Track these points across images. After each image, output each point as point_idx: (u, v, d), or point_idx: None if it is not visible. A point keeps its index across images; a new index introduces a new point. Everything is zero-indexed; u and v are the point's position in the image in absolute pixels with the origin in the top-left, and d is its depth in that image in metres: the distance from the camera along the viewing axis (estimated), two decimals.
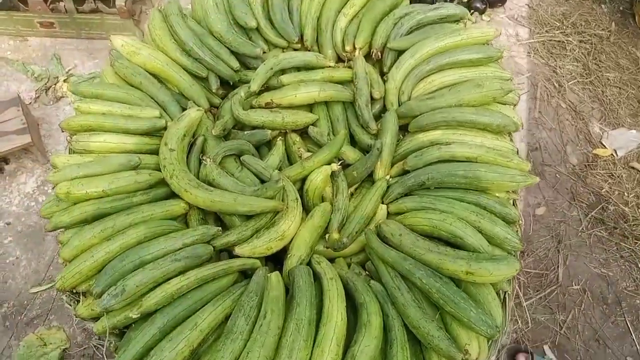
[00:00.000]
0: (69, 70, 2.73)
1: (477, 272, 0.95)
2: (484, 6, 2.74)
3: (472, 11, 2.68)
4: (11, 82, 2.78)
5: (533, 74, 2.92)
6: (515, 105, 1.26)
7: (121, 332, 0.97)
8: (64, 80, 2.70)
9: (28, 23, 2.76)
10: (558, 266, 2.35)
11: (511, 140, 1.22)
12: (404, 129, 1.25)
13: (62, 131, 1.18)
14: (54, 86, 2.72)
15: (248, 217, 1.06)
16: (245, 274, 1.05)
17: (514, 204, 1.15)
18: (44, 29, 2.79)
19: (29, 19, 2.72)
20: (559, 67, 2.97)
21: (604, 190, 2.62)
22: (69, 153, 1.18)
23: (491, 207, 1.07)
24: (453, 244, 1.04)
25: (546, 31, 3.08)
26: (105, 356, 0.92)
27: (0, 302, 2.31)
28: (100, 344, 2.12)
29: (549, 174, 2.52)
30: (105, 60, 1.29)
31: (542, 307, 2.18)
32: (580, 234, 2.38)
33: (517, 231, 1.08)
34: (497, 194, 1.10)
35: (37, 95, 2.71)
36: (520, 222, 1.09)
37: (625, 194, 2.51)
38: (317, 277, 1.02)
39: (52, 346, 2.12)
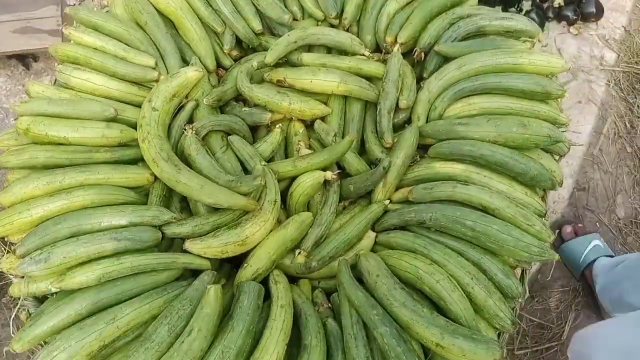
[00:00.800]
0: None
1: (448, 348, 0.80)
2: (575, 17, 2.40)
3: (561, 20, 2.35)
4: None
5: (606, 106, 2.61)
6: (561, 156, 1.05)
7: (44, 297, 0.88)
8: None
9: None
10: (566, 322, 2.14)
11: (544, 198, 1.02)
12: (424, 149, 1.06)
13: (50, 56, 1.06)
14: None
15: (214, 208, 0.93)
16: (194, 272, 0.92)
17: (523, 275, 0.97)
18: None
19: None
20: (638, 106, 2.64)
21: None
22: (53, 83, 1.06)
23: (492, 274, 0.90)
24: (435, 303, 0.88)
25: (636, 62, 2.72)
26: (12, 324, 0.82)
27: None
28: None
29: (589, 220, 2.27)
30: None
31: None
32: None
33: (513, 309, 0.91)
34: (504, 259, 0.93)
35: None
36: (522, 298, 0.91)
37: None
38: (268, 297, 0.88)
39: None
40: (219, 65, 1.16)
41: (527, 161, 0.96)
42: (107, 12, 1.13)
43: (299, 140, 1.06)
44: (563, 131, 1.02)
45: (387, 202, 1.01)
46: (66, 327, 0.79)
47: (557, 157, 1.05)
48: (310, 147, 1.07)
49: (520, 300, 0.91)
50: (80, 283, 0.82)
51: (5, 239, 0.91)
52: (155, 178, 0.96)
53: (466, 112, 1.06)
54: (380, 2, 1.17)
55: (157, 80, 1.03)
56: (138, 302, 0.82)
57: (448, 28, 1.13)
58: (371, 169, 1.05)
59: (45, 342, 0.80)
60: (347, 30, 1.18)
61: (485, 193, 0.95)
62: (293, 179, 1.02)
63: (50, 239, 0.84)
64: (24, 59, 2.17)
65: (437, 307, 0.88)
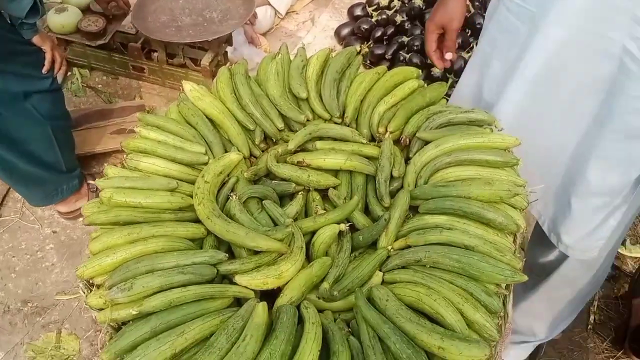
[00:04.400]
0: (147, 110, 3.05)
1: (448, 349, 1.01)
2: None
3: None
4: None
5: None
6: (523, 210, 1.34)
7: (119, 327, 1.08)
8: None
9: (123, 65, 3.15)
10: None
11: (514, 241, 1.29)
12: (415, 210, 1.35)
13: (121, 150, 1.38)
14: None
15: (255, 252, 1.18)
16: (240, 303, 1.14)
17: (504, 301, 1.20)
18: (135, 72, 3.17)
19: (124, 61, 3.11)
20: None
21: None
22: (121, 168, 1.36)
23: (477, 295, 1.13)
24: (434, 320, 1.11)
25: None
26: (99, 344, 1.03)
27: (26, 301, 2.47)
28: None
29: None
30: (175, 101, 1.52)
31: None
32: None
33: (498, 323, 1.13)
34: (486, 285, 1.17)
35: None
36: (502, 314, 1.14)
37: None
38: (301, 321, 1.10)
39: (64, 351, 2.24)
40: (251, 154, 1.49)
41: (494, 211, 1.25)
42: (166, 116, 1.48)
43: (316, 205, 1.34)
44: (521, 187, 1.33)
45: (390, 247, 1.27)
46: (144, 341, 1.00)
47: (520, 210, 1.34)
48: (325, 209, 1.35)
49: (501, 315, 1.13)
50: (155, 307, 1.04)
51: (90, 281, 1.14)
52: (208, 232, 1.22)
53: (445, 179, 1.37)
54: (372, 105, 1.54)
55: (206, 163, 1.34)
56: (201, 321, 1.04)
57: (425, 120, 1.49)
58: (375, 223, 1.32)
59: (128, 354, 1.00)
60: (348, 126, 1.53)
61: (465, 235, 1.22)
62: (313, 233, 1.28)
63: (131, 274, 1.07)
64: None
65: (436, 322, 1.10)
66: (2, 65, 1.79)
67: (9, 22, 1.75)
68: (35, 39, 1.84)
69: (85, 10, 2.97)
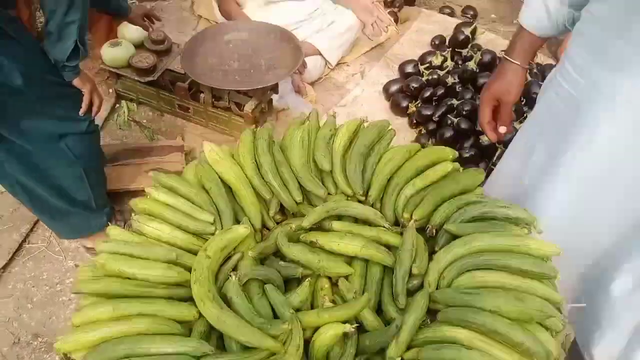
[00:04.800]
0: (186, 152, 3.03)
1: None
2: None
3: None
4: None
5: None
6: (557, 332, 1.16)
7: None
8: None
9: (170, 102, 3.19)
10: None
11: None
12: (433, 313, 1.21)
13: (129, 209, 1.32)
14: None
15: (246, 347, 1.07)
16: None
17: None
18: (180, 111, 3.19)
19: (171, 99, 3.14)
20: None
21: None
22: (128, 228, 1.30)
23: None
24: None
25: None
26: None
27: (37, 334, 2.43)
28: None
29: None
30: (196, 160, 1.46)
31: None
32: None
33: None
34: None
35: None
36: None
37: None
38: None
39: None
40: (264, 225, 1.40)
41: (523, 333, 1.09)
42: (180, 176, 1.42)
43: (324, 295, 1.23)
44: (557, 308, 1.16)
45: (399, 359, 1.13)
46: None
47: (553, 333, 1.17)
48: (333, 302, 1.22)
49: None
50: None
51: (68, 355, 1.06)
52: (200, 316, 1.12)
53: (471, 284, 1.22)
54: (400, 186, 1.42)
55: (213, 234, 1.26)
56: None
57: (456, 211, 1.35)
58: (384, 327, 1.18)
59: None
60: (372, 206, 1.42)
61: (486, 358, 1.07)
62: (316, 329, 1.16)
63: (107, 358, 0.99)
64: None
65: None
66: (40, 107, 1.80)
67: (52, 62, 1.76)
68: (76, 81, 1.84)
69: (139, 47, 3.04)
